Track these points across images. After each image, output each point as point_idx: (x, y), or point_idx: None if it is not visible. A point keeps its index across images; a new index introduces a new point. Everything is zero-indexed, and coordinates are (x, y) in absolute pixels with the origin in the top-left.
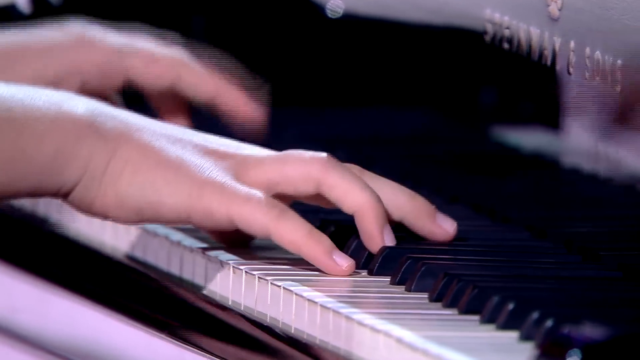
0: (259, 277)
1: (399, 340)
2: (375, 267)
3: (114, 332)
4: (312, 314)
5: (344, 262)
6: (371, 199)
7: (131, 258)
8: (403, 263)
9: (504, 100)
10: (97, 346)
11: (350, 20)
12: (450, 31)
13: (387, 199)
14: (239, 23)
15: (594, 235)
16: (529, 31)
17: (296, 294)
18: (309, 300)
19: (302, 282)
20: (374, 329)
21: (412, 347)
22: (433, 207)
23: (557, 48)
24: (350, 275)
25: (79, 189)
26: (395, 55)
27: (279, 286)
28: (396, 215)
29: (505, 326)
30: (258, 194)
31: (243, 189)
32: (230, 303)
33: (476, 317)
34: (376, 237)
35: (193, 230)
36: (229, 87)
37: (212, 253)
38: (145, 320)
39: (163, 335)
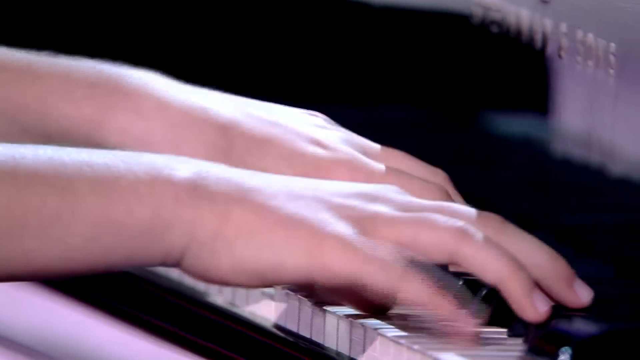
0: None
1: None
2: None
3: (90, 329)
4: None
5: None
6: (511, 268)
7: None
8: None
9: (493, 86)
10: (72, 343)
11: (333, 2)
12: (437, 14)
13: (527, 256)
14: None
15: (586, 226)
16: (519, 14)
17: None
18: None
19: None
20: None
21: None
22: (573, 272)
23: (548, 31)
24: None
25: (189, 256)
26: (379, 40)
27: None
28: (534, 274)
29: (494, 322)
30: (380, 251)
31: (367, 247)
32: None
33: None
34: (526, 307)
35: None
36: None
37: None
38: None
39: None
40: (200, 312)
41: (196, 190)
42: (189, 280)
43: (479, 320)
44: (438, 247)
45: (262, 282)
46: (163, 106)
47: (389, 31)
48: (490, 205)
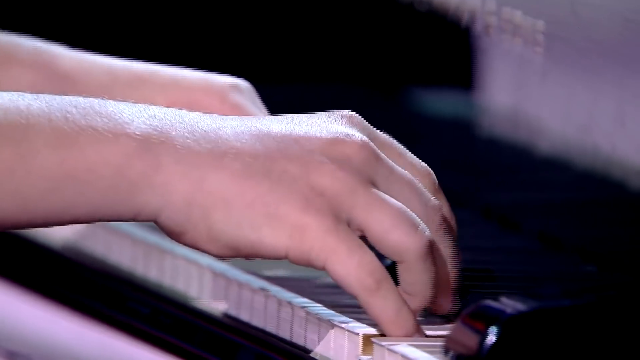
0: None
1: None
2: None
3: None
4: None
5: (406, 330)
6: (427, 295)
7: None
8: None
9: (420, 63)
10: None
11: None
12: None
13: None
14: None
15: (513, 204)
16: None
17: None
18: None
19: None
20: None
21: None
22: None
23: (475, 9)
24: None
25: (164, 219)
26: (305, 17)
27: None
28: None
29: None
30: (360, 252)
31: (346, 240)
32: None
33: None
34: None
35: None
36: None
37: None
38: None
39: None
40: (128, 291)
41: (163, 149)
42: (114, 258)
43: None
44: (403, 249)
45: (236, 254)
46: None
47: (315, 8)
48: None
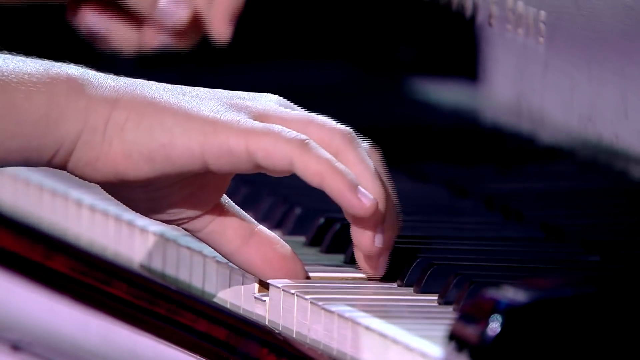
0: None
1: None
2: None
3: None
4: None
5: (367, 199)
6: (377, 189)
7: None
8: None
9: (423, 54)
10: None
11: None
12: None
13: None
14: None
15: (516, 194)
16: None
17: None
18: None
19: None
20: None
21: None
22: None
23: None
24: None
25: (80, 146)
26: (310, 5)
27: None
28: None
29: (425, 290)
30: (277, 126)
31: (261, 123)
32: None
33: (394, 284)
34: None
35: None
36: None
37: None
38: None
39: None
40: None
41: (88, 82)
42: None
43: (373, 201)
44: (326, 143)
45: (152, 168)
46: None
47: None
48: (419, 173)
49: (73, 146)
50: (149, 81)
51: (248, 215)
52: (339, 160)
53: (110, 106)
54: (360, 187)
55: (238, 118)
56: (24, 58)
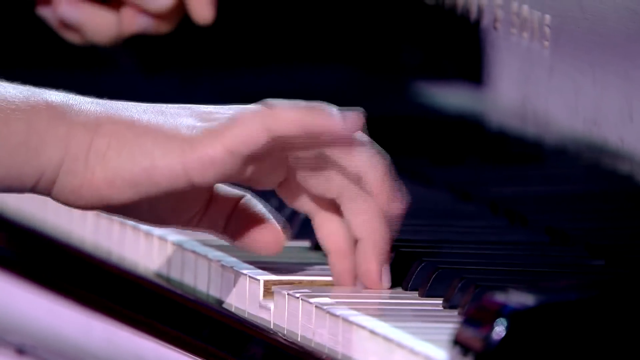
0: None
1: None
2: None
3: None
4: None
5: (355, 122)
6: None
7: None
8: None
9: (428, 58)
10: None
11: None
12: None
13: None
14: None
15: (520, 198)
16: None
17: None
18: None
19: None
20: None
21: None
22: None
23: (483, 3)
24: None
25: (62, 174)
26: (313, 8)
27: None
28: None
29: (429, 294)
30: (242, 113)
31: (229, 117)
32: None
33: (398, 288)
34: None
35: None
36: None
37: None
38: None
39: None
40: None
41: (69, 108)
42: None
43: (359, 123)
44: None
45: (137, 192)
46: None
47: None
48: (424, 177)
49: (55, 175)
50: (129, 103)
51: (236, 191)
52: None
53: (91, 133)
54: (343, 113)
55: (208, 125)
56: (3, 84)
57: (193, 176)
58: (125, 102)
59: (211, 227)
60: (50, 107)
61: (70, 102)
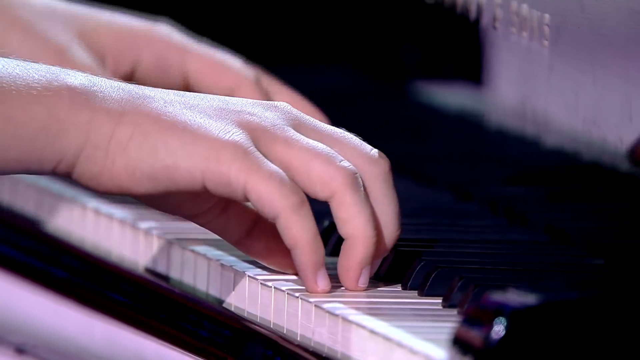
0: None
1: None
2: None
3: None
4: None
5: (323, 284)
6: (369, 234)
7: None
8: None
9: (427, 57)
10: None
11: None
12: None
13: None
14: None
15: (520, 197)
16: None
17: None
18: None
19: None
20: None
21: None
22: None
23: (482, 2)
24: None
25: (82, 160)
26: (312, 8)
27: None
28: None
29: (429, 293)
30: (282, 173)
31: (266, 162)
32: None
33: (398, 287)
34: (353, 272)
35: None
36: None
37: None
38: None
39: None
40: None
41: (92, 93)
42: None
43: (327, 287)
44: (324, 183)
45: (155, 186)
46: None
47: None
48: (425, 177)
49: (75, 160)
50: (156, 90)
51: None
52: (333, 201)
53: (114, 121)
54: (322, 271)
55: (246, 146)
56: (26, 64)
57: (208, 185)
58: (152, 89)
59: (222, 233)
60: (72, 92)
61: (96, 86)
